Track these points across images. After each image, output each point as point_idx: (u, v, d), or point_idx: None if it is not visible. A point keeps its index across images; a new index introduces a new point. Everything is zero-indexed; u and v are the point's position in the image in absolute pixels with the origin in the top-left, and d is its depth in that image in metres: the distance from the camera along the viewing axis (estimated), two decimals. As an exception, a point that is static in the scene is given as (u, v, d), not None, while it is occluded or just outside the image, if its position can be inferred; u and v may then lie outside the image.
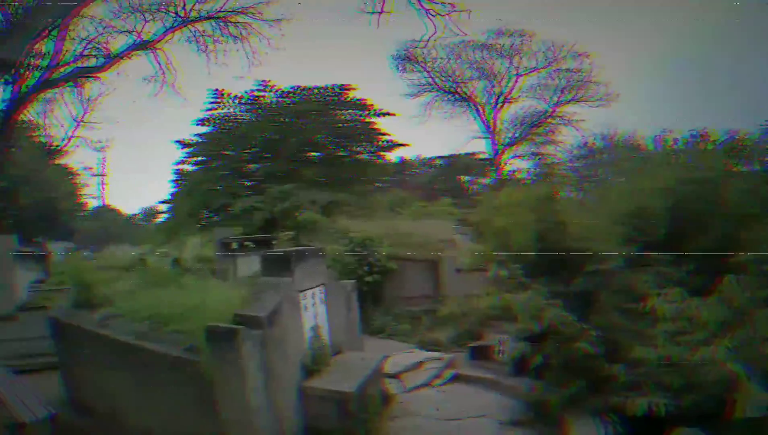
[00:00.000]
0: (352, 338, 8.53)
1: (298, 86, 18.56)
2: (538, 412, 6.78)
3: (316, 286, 7.42)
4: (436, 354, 9.86)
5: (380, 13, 14.07)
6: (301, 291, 6.91)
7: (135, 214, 59.13)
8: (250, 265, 12.48)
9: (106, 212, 46.54)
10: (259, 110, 19.41)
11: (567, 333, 6.45)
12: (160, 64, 7.47)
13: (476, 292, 10.24)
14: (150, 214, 54.81)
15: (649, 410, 5.48)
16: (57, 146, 18.56)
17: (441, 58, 23.34)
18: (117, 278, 7.85)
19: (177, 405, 6.23)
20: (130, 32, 6.85)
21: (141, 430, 6.63)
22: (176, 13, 6.81)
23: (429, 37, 16.35)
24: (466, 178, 38.58)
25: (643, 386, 5.84)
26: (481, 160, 35.09)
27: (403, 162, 21.45)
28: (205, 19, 7.45)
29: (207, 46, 7.94)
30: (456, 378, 9.09)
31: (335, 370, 7.09)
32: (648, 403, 5.53)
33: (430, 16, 15.62)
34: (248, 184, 19.06)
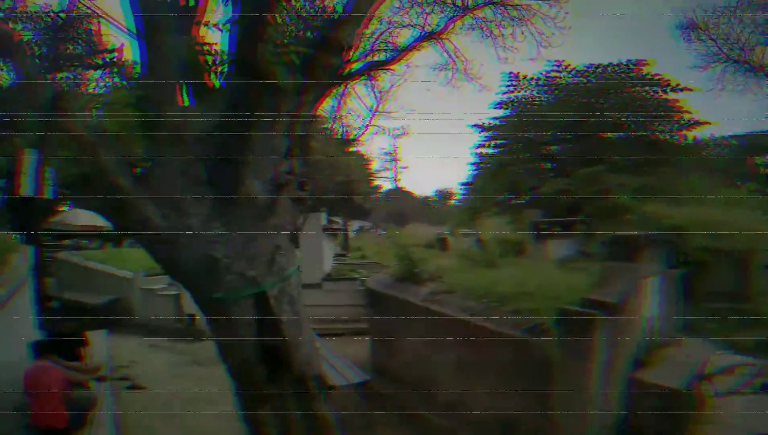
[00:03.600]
0: (672, 332, 7.92)
1: (592, 64, 17.96)
2: None
3: (655, 274, 6.97)
4: (745, 358, 8.74)
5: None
6: (645, 278, 6.53)
7: (428, 196, 62.49)
8: (561, 247, 12.39)
9: (399, 194, 50.20)
10: (556, 91, 19.14)
11: None
12: (448, 53, 7.62)
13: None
14: (444, 195, 58.01)
15: None
16: (354, 135, 20.28)
17: (724, 24, 20.45)
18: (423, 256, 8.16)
19: (501, 383, 6.25)
20: (413, 26, 7.09)
21: (450, 403, 6.78)
22: (454, 3, 6.84)
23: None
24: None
25: None
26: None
27: (698, 142, 19.46)
28: (485, 5, 7.36)
29: (491, 32, 7.87)
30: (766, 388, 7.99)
31: (662, 365, 6.61)
32: None
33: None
34: (550, 166, 18.93)
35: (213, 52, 4.58)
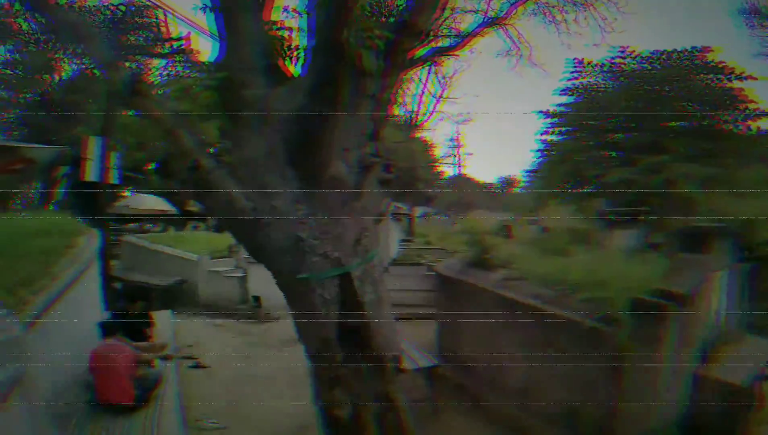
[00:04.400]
0: (737, 327, 7.74)
1: (657, 51, 17.31)
2: None
3: (723, 267, 6.83)
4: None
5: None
6: (714, 271, 6.40)
7: (490, 183, 62.17)
8: (626, 237, 12.24)
9: (461, 181, 50.22)
10: (621, 78, 18.58)
11: None
12: (511, 38, 7.50)
13: None
14: (508, 183, 57.74)
15: None
16: (418, 121, 20.37)
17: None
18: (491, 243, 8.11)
19: (570, 371, 6.19)
20: (476, 11, 6.99)
21: (518, 390, 6.74)
22: (515, -12, 6.74)
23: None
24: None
25: None
26: None
27: (762, 133, 18.62)
28: (547, -11, 7.27)
29: (554, 17, 7.72)
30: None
31: (727, 360, 6.46)
32: None
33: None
34: (614, 154, 18.50)
35: (292, 36, 4.64)
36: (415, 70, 6.76)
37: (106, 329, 6.88)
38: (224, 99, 4.28)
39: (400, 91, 3.97)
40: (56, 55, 23.49)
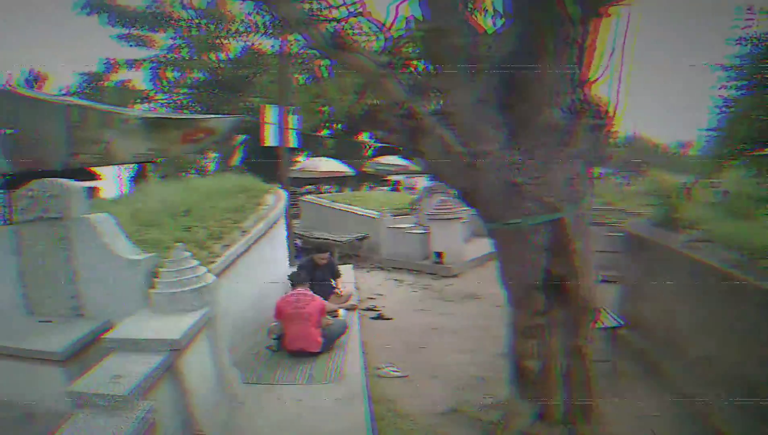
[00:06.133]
0: None
1: None
2: None
3: None
4: None
5: None
6: None
7: (667, 144, 59.15)
8: None
9: (637, 141, 48.53)
10: None
11: None
12: None
13: None
14: (684, 143, 54.61)
15: None
16: (592, 77, 19.67)
17: None
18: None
19: (755, 341, 5.63)
20: None
21: (701, 358, 6.24)
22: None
23: None
24: None
25: None
26: None
27: None
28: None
29: None
30: None
31: None
32: None
33: None
34: None
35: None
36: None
37: (297, 279, 7.31)
38: (430, 49, 4.33)
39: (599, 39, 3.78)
40: (220, 35, 25.24)
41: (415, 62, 5.08)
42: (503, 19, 4.30)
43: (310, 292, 7.12)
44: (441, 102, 4.27)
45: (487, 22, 4.44)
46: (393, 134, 4.37)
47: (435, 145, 4.06)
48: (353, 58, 4.29)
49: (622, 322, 6.89)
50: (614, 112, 3.96)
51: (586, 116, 3.94)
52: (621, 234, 8.62)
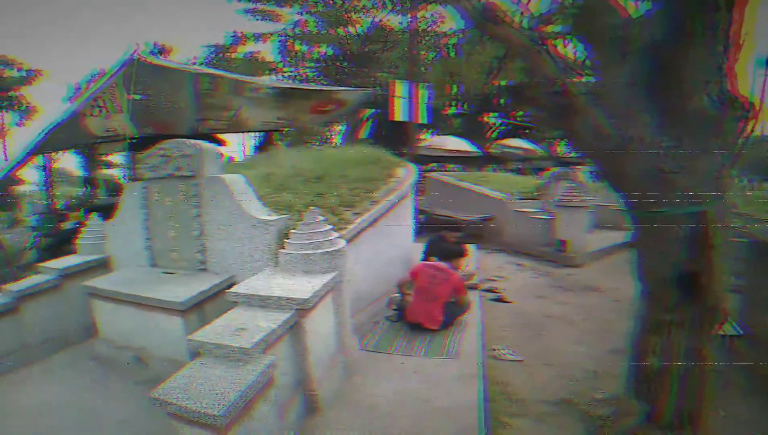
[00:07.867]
0: None
1: None
2: None
3: None
4: None
5: None
6: None
7: None
8: None
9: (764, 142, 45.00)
10: None
11: None
12: None
13: None
14: None
15: None
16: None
17: None
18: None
19: None
20: None
21: None
22: None
23: None
24: None
25: None
26: None
27: None
28: None
29: None
30: None
31: None
32: None
33: None
34: None
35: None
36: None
37: (431, 252, 7.38)
38: (581, 27, 4.28)
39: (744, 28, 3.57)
40: (349, 9, 25.69)
41: (561, 40, 5.01)
42: (649, 3, 4.17)
43: (450, 269, 7.18)
44: (592, 82, 4.22)
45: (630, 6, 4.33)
46: (542, 111, 4.37)
47: (586, 125, 4.05)
48: (506, 31, 4.29)
49: (742, 332, 6.51)
50: (760, 106, 3.75)
51: (733, 107, 3.77)
52: (746, 240, 8.05)
